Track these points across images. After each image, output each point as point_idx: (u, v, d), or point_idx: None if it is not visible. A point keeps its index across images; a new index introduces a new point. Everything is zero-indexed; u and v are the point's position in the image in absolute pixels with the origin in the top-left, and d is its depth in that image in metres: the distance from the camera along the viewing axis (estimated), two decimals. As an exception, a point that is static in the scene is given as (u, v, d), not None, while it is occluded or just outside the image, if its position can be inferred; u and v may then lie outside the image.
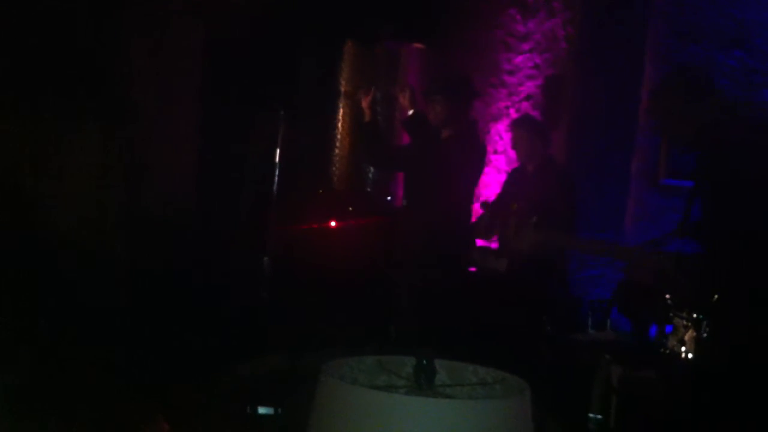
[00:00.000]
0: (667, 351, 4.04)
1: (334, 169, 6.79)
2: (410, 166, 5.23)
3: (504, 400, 1.69)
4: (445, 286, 4.78)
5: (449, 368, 1.87)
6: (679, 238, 3.46)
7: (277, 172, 5.21)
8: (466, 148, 4.99)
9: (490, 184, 7.24)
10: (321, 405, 1.68)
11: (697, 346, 3.67)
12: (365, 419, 1.59)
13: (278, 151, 5.23)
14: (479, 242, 6.66)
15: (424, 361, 1.74)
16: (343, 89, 6.84)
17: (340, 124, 6.77)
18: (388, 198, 6.20)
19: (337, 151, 6.78)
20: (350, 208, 6.42)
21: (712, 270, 3.10)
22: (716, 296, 3.50)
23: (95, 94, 6.88)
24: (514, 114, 7.19)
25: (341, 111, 6.81)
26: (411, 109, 5.20)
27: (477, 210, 5.99)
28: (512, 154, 6.92)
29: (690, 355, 3.85)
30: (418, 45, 6.96)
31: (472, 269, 5.55)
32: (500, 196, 5.87)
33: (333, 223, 6.16)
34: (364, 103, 5.15)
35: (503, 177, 6.94)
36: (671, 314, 4.16)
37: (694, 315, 3.89)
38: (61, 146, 6.79)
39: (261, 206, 5.46)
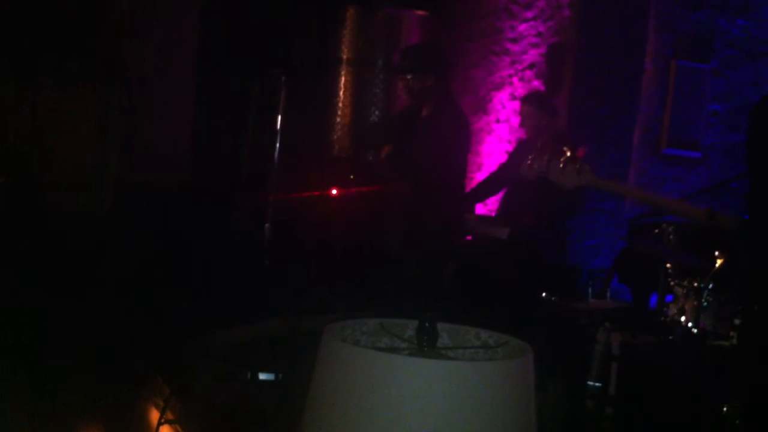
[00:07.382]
0: (668, 319, 4.05)
1: (335, 136, 6.76)
2: (398, 144, 5.11)
3: (506, 361, 1.69)
4: (442, 253, 4.76)
5: (451, 331, 1.87)
6: None
7: (278, 139, 5.17)
8: (449, 123, 4.82)
9: (493, 153, 7.21)
10: (323, 367, 1.68)
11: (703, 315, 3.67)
12: (367, 380, 1.59)
13: (279, 117, 5.18)
14: (480, 211, 6.65)
15: (426, 324, 1.74)
16: (344, 56, 6.78)
17: (341, 92, 6.73)
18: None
19: (338, 118, 6.74)
20: (351, 177, 6.39)
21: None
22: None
23: (90, 58, 6.86)
24: (517, 82, 7.15)
25: (342, 78, 6.76)
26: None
27: (475, 180, 5.98)
28: (515, 122, 6.88)
29: (690, 324, 3.86)
30: (420, 12, 6.90)
31: (469, 237, 5.54)
32: (506, 165, 5.84)
33: (334, 191, 6.14)
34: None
35: (505, 146, 6.92)
36: (672, 283, 4.17)
37: (695, 284, 3.90)
38: (57, 110, 6.78)
39: (261, 173, 5.43)
